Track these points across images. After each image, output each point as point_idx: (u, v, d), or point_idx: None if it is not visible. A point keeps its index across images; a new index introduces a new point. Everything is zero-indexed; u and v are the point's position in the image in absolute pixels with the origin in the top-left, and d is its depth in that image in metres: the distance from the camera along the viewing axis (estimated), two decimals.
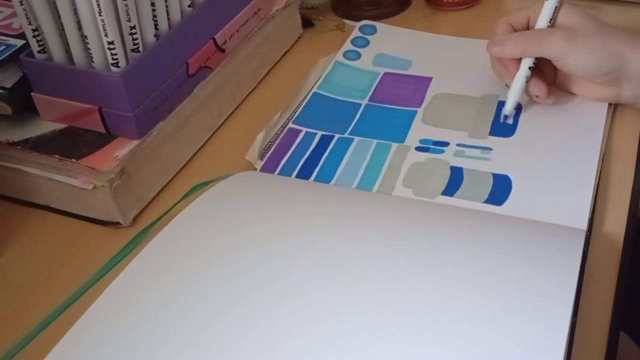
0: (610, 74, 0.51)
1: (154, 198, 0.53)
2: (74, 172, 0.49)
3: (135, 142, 0.50)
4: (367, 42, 0.66)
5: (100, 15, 0.46)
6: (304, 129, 0.57)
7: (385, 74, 0.62)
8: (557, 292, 0.37)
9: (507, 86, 0.54)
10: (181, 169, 0.55)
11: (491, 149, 0.52)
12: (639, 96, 0.52)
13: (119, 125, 0.50)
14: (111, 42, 0.47)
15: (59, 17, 0.48)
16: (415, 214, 0.46)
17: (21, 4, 0.48)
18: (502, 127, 0.54)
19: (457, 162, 0.51)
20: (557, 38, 0.51)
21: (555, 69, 0.54)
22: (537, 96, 0.54)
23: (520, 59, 0.53)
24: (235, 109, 0.61)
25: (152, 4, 0.50)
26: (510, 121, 0.54)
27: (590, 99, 0.55)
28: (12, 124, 0.52)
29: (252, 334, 0.37)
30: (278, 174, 0.53)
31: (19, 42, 0.53)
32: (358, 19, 0.70)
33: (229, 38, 0.59)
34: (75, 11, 0.47)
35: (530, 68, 0.53)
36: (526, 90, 0.54)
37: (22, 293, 0.47)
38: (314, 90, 0.61)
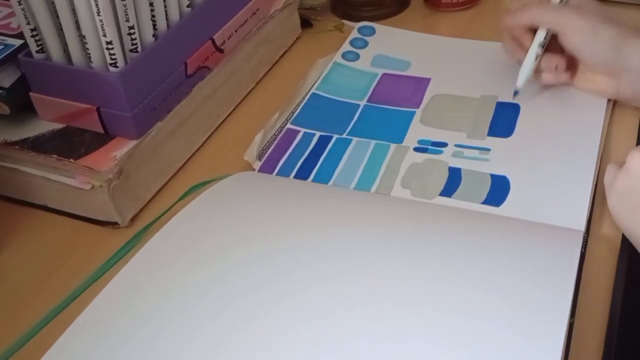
0: (609, 60, 0.52)
1: (152, 198, 0.53)
2: (71, 172, 0.49)
3: (133, 142, 0.50)
4: (366, 44, 0.66)
5: (98, 15, 0.45)
6: (303, 130, 0.57)
7: (384, 74, 0.62)
8: (555, 293, 0.37)
9: (519, 63, 0.55)
10: (179, 169, 0.55)
11: (489, 150, 0.52)
12: (637, 92, 0.52)
13: (117, 125, 0.50)
14: (109, 42, 0.47)
15: (57, 16, 0.48)
16: (413, 214, 0.46)
17: (19, 4, 0.48)
18: (501, 128, 0.54)
19: (456, 163, 0.51)
20: (568, 9, 0.53)
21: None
22: (555, 67, 0.54)
23: (532, 37, 0.54)
24: (234, 109, 0.61)
25: (151, 4, 0.50)
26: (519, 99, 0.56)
27: (590, 91, 0.55)
28: (10, 124, 0.52)
29: (249, 334, 0.37)
30: (276, 174, 0.53)
31: (18, 42, 0.53)
32: (357, 20, 0.70)
33: (228, 38, 0.59)
34: (73, 11, 0.47)
35: (541, 46, 0.54)
36: (538, 72, 0.55)
37: (19, 293, 0.46)
38: (313, 91, 0.61)
